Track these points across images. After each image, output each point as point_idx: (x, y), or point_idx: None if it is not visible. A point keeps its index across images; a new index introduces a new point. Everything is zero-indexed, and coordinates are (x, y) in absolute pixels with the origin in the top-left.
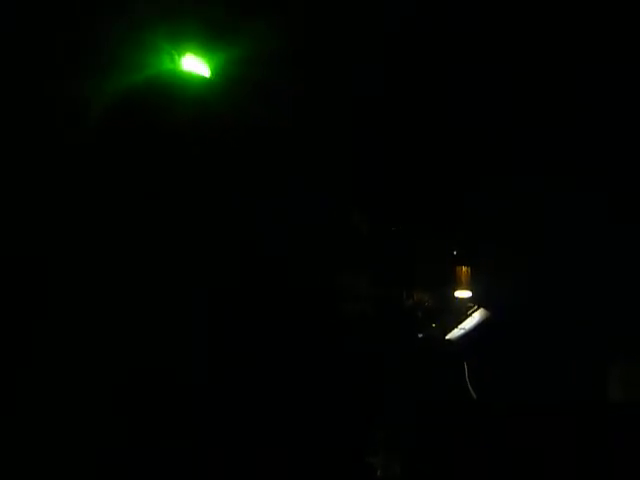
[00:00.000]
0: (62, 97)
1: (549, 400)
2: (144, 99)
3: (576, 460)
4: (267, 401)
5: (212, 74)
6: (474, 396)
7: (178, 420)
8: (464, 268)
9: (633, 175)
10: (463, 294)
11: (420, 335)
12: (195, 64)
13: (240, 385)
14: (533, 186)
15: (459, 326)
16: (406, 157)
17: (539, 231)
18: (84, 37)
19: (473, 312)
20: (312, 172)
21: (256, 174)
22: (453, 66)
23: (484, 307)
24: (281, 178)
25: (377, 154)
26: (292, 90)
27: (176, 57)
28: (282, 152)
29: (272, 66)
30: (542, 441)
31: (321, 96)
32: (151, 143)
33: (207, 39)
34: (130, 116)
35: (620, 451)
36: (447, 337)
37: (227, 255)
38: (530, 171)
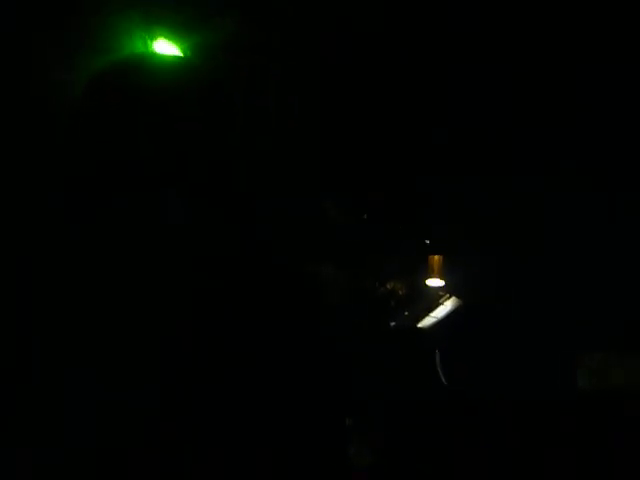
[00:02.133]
0: (32, 81)
1: (520, 389)
2: (116, 83)
3: (557, 453)
4: (242, 395)
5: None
6: (444, 382)
7: (169, 419)
8: (436, 257)
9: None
10: (435, 282)
11: (392, 323)
12: (167, 49)
13: (218, 381)
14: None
15: (431, 314)
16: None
17: (520, 224)
18: (54, 21)
19: (445, 300)
20: (286, 159)
21: (237, 165)
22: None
23: (456, 295)
24: (256, 168)
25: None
26: (270, 78)
27: (148, 41)
28: (261, 142)
29: (247, 53)
30: (522, 433)
31: (309, 89)
32: (127, 128)
33: (181, 23)
34: (103, 99)
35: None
36: (419, 325)
37: (218, 253)
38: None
